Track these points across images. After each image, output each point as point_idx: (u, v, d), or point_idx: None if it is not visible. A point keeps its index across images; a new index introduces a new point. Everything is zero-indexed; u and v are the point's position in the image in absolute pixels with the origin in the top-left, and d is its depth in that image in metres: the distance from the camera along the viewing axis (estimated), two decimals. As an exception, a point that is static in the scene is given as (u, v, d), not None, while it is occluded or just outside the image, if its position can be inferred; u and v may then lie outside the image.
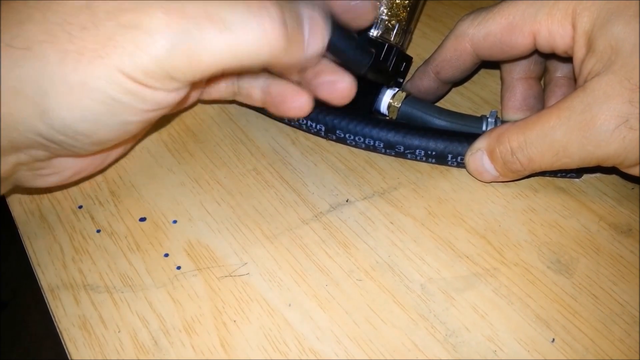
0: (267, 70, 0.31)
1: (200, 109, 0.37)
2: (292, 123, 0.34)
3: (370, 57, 0.30)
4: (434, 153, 0.32)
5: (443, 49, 0.33)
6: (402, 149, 0.32)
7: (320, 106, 0.33)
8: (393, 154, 0.33)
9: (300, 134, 0.35)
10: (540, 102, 0.34)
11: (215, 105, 0.37)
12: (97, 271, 0.28)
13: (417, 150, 0.32)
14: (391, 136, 0.32)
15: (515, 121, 0.29)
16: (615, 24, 0.26)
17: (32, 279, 0.29)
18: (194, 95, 0.33)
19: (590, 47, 0.27)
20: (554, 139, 0.27)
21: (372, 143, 0.32)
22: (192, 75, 0.24)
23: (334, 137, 0.33)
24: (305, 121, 0.33)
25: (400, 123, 0.33)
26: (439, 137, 0.32)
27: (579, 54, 0.28)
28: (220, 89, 0.33)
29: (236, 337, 0.26)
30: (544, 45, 0.29)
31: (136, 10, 0.22)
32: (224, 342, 0.26)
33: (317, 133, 0.34)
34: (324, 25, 0.26)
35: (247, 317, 0.26)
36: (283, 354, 0.25)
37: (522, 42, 0.30)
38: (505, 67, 0.34)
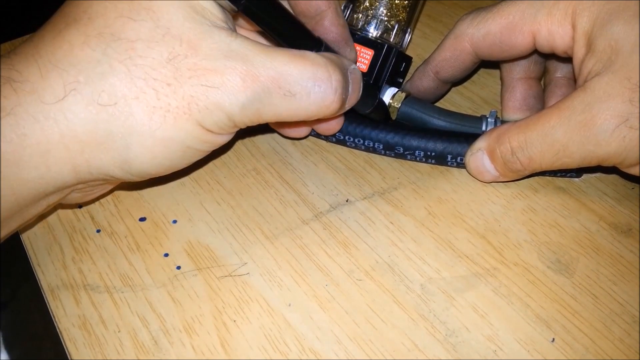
0: None
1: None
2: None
3: (375, 99, 0.31)
4: (433, 154, 0.32)
5: (442, 48, 0.33)
6: (401, 150, 0.32)
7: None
8: (393, 155, 0.33)
9: (300, 134, 0.35)
10: (540, 102, 0.34)
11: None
12: (97, 271, 0.28)
13: (417, 151, 0.32)
14: (390, 137, 0.32)
15: (516, 121, 0.29)
16: (615, 23, 0.26)
17: (32, 279, 0.29)
18: None
19: (590, 47, 0.27)
20: (554, 138, 0.27)
21: (371, 145, 0.32)
22: (252, 124, 0.26)
23: (334, 139, 0.33)
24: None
25: (400, 124, 0.33)
26: (438, 138, 0.32)
27: (578, 54, 0.28)
28: None
29: (236, 337, 0.26)
30: (544, 45, 0.29)
31: (216, 72, 0.24)
32: (224, 342, 0.26)
33: (316, 135, 0.34)
34: (361, 80, 0.29)
35: (247, 317, 0.26)
36: (283, 354, 0.25)
37: (521, 42, 0.30)
38: (505, 67, 0.34)
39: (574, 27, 0.28)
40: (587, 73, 0.27)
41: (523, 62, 0.33)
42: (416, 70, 0.35)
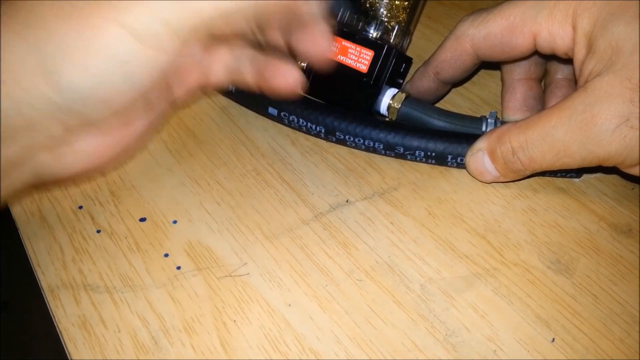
0: (256, 45, 0.30)
1: (200, 110, 0.37)
2: (292, 125, 0.34)
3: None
4: (433, 154, 0.32)
5: (443, 49, 0.33)
6: (401, 150, 0.32)
7: (321, 108, 0.33)
8: (393, 155, 0.33)
9: (300, 134, 0.35)
10: (540, 104, 0.34)
11: (215, 106, 0.37)
12: (97, 271, 0.29)
13: (417, 152, 0.32)
14: (391, 137, 0.32)
15: (516, 121, 0.29)
16: (616, 24, 0.26)
17: (32, 279, 0.29)
18: (193, 80, 0.31)
19: (590, 47, 0.27)
20: (555, 138, 0.27)
21: (371, 144, 0.32)
22: (190, 28, 0.23)
23: (334, 139, 0.33)
24: (305, 123, 0.33)
25: (400, 124, 0.33)
26: (438, 138, 0.32)
27: (579, 55, 0.28)
28: (217, 73, 0.31)
29: (236, 337, 0.26)
30: (544, 46, 0.29)
31: None
32: (224, 342, 0.26)
33: (317, 135, 0.34)
34: None
35: (247, 317, 0.26)
36: (283, 354, 0.25)
37: (522, 43, 0.30)
38: (506, 68, 0.34)
39: (574, 28, 0.28)
40: (587, 74, 0.27)
41: (524, 63, 0.34)
42: (416, 70, 0.35)
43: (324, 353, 0.25)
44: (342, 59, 0.33)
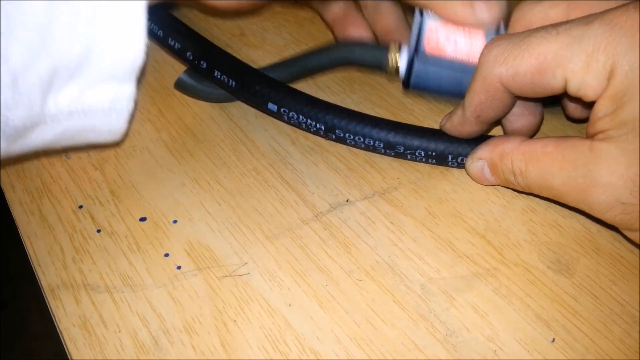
0: None
1: (200, 109, 0.37)
2: (292, 121, 0.34)
3: None
4: (434, 153, 0.32)
5: (474, 92, 0.30)
6: (402, 149, 0.32)
7: (321, 105, 0.33)
8: (393, 154, 0.33)
9: (300, 133, 0.35)
10: None
11: (215, 106, 0.37)
12: (97, 271, 0.29)
13: (417, 151, 0.32)
14: (391, 136, 0.32)
15: (520, 142, 0.29)
16: None
17: (32, 279, 0.29)
18: None
19: (615, 109, 0.25)
20: (551, 184, 0.27)
21: (372, 143, 0.32)
22: None
23: (334, 137, 0.33)
24: (304, 120, 0.33)
25: (401, 123, 0.33)
26: (439, 137, 0.32)
27: (602, 108, 0.26)
28: None
29: (236, 337, 0.26)
30: (572, 91, 0.27)
31: None
32: (224, 342, 0.26)
33: (316, 132, 0.34)
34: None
35: (248, 317, 0.26)
36: (283, 354, 0.25)
37: (554, 85, 0.27)
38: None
39: (609, 82, 0.25)
40: (600, 129, 0.26)
41: None
42: (452, 114, 0.32)
43: (324, 353, 0.25)
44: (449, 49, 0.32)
